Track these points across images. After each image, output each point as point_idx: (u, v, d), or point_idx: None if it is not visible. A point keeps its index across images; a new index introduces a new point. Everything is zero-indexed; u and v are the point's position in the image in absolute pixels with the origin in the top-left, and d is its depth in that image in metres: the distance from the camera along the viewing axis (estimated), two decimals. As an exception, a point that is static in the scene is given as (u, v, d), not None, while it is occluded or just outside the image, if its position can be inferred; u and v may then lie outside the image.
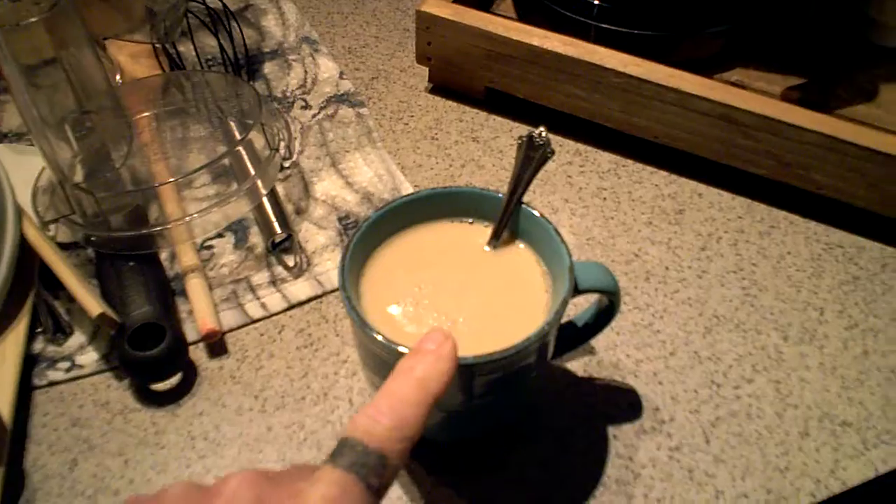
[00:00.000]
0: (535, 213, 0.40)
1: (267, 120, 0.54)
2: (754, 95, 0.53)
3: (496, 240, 0.41)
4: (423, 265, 0.40)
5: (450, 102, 0.63)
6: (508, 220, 0.41)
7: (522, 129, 0.61)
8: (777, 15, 0.62)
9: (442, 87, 0.64)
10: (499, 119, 0.62)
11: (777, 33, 0.62)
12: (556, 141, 0.60)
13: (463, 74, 0.62)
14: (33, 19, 0.43)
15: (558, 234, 0.39)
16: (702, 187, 0.56)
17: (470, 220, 0.42)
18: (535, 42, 0.57)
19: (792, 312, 0.49)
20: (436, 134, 0.61)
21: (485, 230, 0.42)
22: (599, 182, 0.57)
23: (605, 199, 0.56)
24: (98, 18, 0.66)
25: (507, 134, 0.61)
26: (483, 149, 0.59)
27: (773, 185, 0.54)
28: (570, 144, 0.60)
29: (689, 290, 0.50)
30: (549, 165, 0.57)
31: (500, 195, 0.41)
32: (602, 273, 0.39)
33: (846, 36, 0.63)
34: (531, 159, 0.41)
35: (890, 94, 0.59)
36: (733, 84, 0.59)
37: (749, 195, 0.56)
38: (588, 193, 0.56)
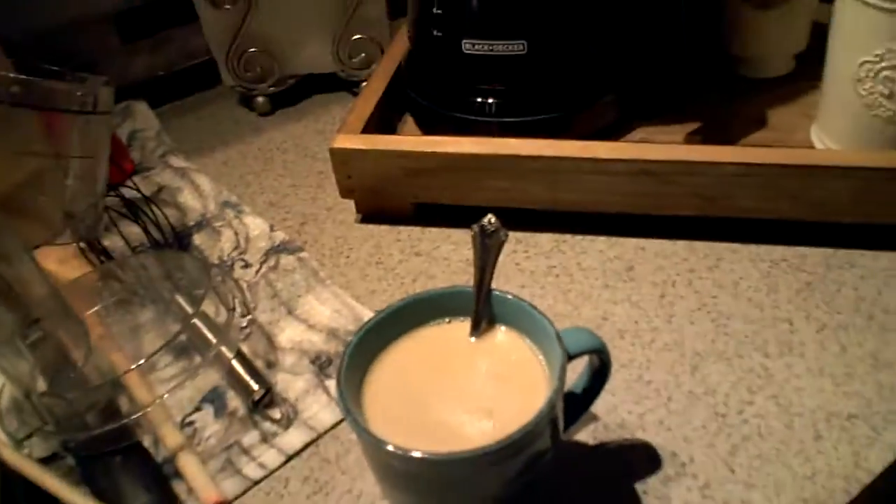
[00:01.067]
0: (508, 295, 0.42)
1: (215, 284, 0.55)
2: (663, 146, 0.57)
3: (477, 329, 0.42)
4: (415, 372, 0.41)
5: (383, 227, 0.65)
6: (484, 310, 0.42)
7: (459, 234, 0.63)
8: (658, 74, 0.67)
9: (371, 214, 0.66)
10: (434, 230, 0.64)
11: (662, 89, 0.68)
12: (494, 235, 0.62)
13: (388, 197, 0.64)
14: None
15: (535, 308, 0.40)
16: (643, 241, 0.59)
17: (448, 320, 0.43)
18: (450, 149, 0.60)
19: (764, 331, 0.51)
20: (379, 259, 0.62)
21: (465, 325, 0.43)
22: (547, 262, 0.59)
23: (557, 275, 0.58)
24: (22, 232, 0.66)
25: (446, 241, 0.63)
26: (428, 260, 0.61)
27: (706, 220, 0.58)
28: (510, 234, 0.62)
29: (663, 336, 0.52)
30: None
31: (468, 289, 0.42)
32: (586, 335, 0.40)
33: (721, 77, 0.69)
34: (488, 247, 0.43)
35: (778, 117, 0.64)
36: (640, 142, 0.63)
37: (688, 237, 0.59)
38: (540, 274, 0.58)
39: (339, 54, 0.80)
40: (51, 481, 0.43)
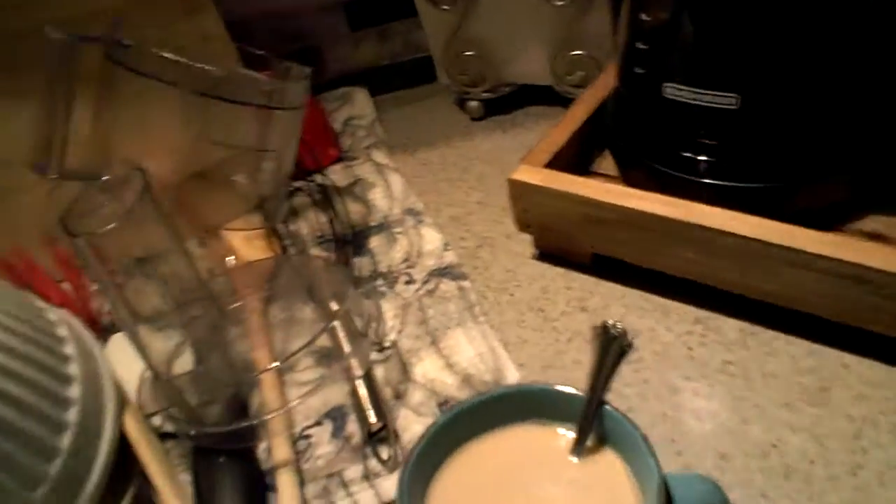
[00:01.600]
0: (620, 416, 0.36)
1: (357, 303, 0.54)
2: (890, 250, 0.47)
3: (580, 447, 0.37)
4: (500, 481, 0.36)
5: (557, 269, 0.61)
6: (590, 424, 0.37)
7: (634, 296, 0.57)
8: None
9: (547, 253, 0.62)
10: (608, 285, 0.58)
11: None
12: (672, 308, 0.55)
13: (565, 240, 0.59)
14: (110, 226, 0.45)
15: (646, 442, 0.35)
16: (848, 357, 0.49)
17: (553, 423, 0.38)
18: (633, 204, 0.53)
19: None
20: (542, 305, 0.58)
21: (564, 434, 0.38)
22: (725, 355, 0.52)
23: (732, 375, 0.50)
24: (214, 205, 0.69)
25: (617, 301, 0.57)
26: (592, 319, 0.56)
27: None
28: (689, 311, 0.55)
29: (841, 492, 0.43)
30: (667, 337, 0.53)
31: (580, 394, 0.37)
32: (706, 491, 0.34)
33: None
34: (608, 353, 0.38)
35: None
36: (868, 235, 0.53)
37: (909, 365, 0.48)
38: (713, 369, 0.51)
39: (556, 69, 0.76)
40: (152, 464, 0.45)
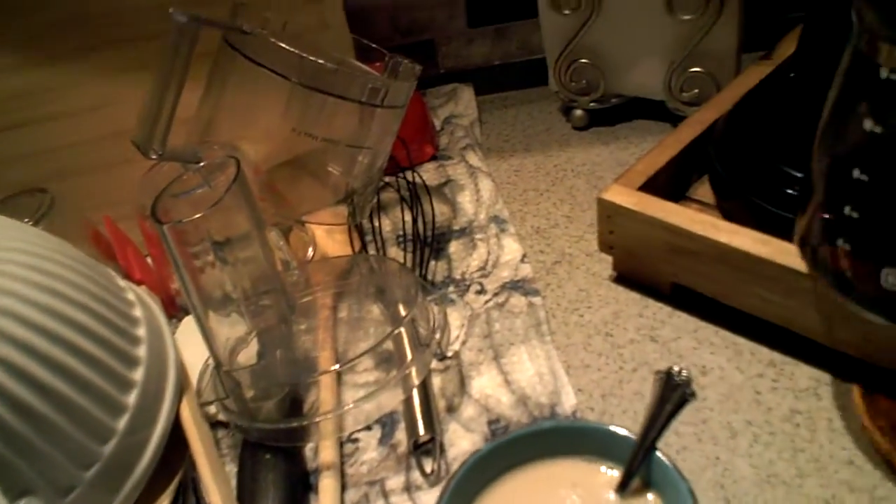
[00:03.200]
0: (669, 464, 0.36)
1: (424, 311, 0.55)
2: None
3: (624, 489, 0.37)
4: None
5: (632, 294, 0.60)
6: (638, 467, 0.37)
7: (708, 331, 0.56)
8: None
9: (626, 277, 0.61)
10: (683, 316, 0.57)
11: None
12: (746, 348, 0.54)
13: (646, 266, 0.59)
14: (197, 216, 0.48)
15: (693, 496, 0.34)
16: (926, 424, 0.47)
17: (597, 459, 0.39)
18: (723, 238, 0.53)
19: None
20: (611, 329, 0.58)
21: (609, 473, 0.38)
22: (794, 403, 0.50)
23: (798, 425, 0.49)
24: (303, 194, 0.72)
25: (690, 335, 0.56)
26: (660, 350, 0.55)
27: None
28: (764, 353, 0.53)
29: (891, 561, 0.41)
30: (736, 378, 0.52)
31: (630, 437, 0.37)
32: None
33: None
34: (668, 399, 0.37)
35: None
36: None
37: None
38: (778, 416, 0.49)
39: (671, 84, 0.75)
40: (201, 453, 0.48)
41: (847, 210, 0.41)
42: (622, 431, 0.38)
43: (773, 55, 0.71)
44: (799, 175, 0.54)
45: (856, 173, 0.40)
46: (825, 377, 0.51)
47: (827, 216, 0.43)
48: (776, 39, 0.72)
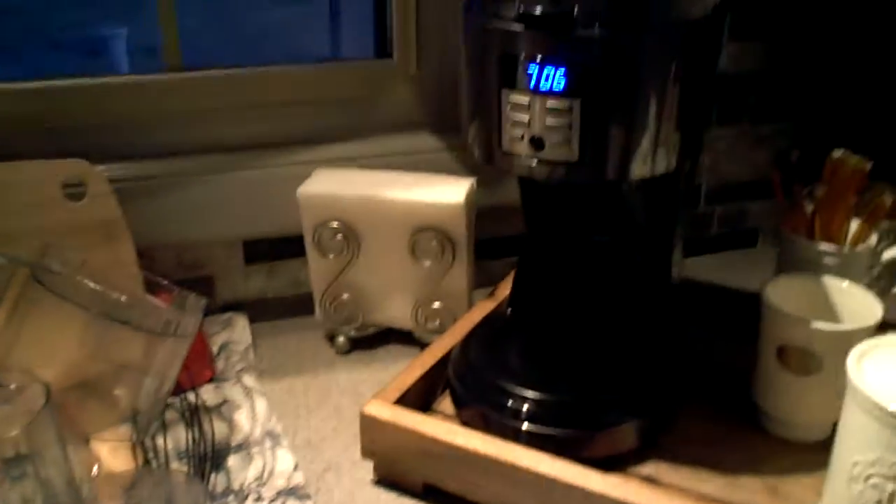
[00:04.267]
0: None
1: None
2: (652, 494, 0.60)
3: None
4: None
5: (392, 494, 0.71)
6: None
7: (455, 522, 0.68)
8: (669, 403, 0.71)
9: (386, 480, 0.73)
10: (435, 512, 0.69)
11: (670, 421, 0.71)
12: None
13: (402, 470, 0.71)
14: (13, 433, 0.54)
15: None
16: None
17: None
18: (459, 441, 0.66)
19: None
20: (373, 527, 0.68)
21: None
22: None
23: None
24: (90, 414, 0.77)
25: (442, 527, 0.68)
26: (415, 542, 0.66)
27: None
28: (498, 536, 0.66)
29: None
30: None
31: None
32: None
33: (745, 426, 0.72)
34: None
35: (790, 487, 0.66)
36: (645, 479, 0.66)
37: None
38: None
39: (417, 317, 0.91)
40: None
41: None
42: None
43: (495, 293, 0.91)
44: (518, 390, 0.70)
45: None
46: (544, 552, 0.64)
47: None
48: (500, 278, 0.92)
